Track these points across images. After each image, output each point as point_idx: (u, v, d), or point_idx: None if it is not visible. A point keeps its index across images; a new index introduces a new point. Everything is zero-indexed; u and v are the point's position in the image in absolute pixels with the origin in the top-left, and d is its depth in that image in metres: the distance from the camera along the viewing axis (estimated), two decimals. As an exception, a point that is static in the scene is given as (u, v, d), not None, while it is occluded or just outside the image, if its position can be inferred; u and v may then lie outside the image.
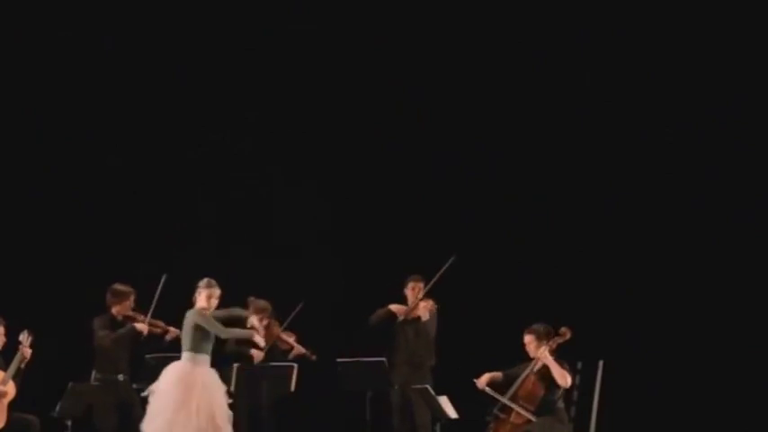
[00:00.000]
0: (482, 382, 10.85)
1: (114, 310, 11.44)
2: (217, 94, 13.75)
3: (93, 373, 11.38)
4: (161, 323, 11.48)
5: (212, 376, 10.69)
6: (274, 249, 13.58)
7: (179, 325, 11.01)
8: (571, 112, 13.55)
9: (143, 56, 13.69)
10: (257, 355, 11.54)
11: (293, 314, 11.81)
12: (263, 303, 11.84)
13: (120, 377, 11.34)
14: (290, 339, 11.85)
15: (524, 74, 13.58)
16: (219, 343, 11.68)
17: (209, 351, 10.69)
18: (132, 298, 11.46)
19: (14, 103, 13.51)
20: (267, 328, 11.82)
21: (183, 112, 13.73)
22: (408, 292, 12.06)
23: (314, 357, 11.79)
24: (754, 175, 13.24)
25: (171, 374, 10.61)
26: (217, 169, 13.82)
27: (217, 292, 10.84)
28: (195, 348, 10.62)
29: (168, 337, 11.45)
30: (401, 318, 11.93)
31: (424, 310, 11.89)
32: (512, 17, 13.61)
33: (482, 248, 13.35)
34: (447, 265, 11.83)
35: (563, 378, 10.56)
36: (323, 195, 13.80)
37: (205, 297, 10.80)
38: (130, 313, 11.44)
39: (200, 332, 10.63)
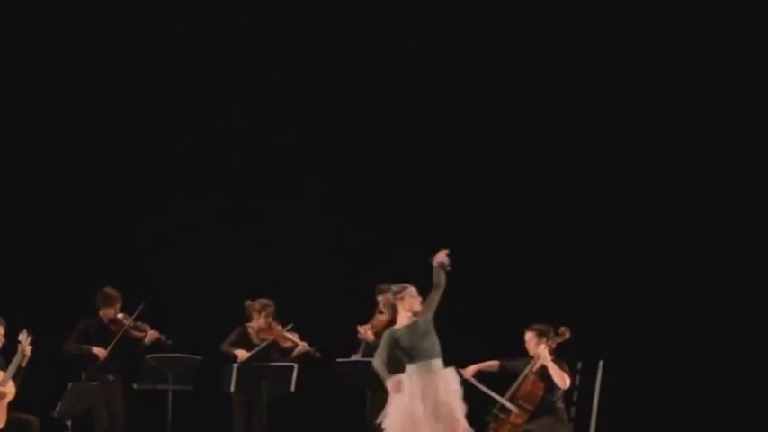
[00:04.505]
0: (468, 371, 10.83)
1: (101, 312, 11.69)
2: (217, 94, 13.74)
3: (83, 374, 11.53)
4: (146, 326, 11.63)
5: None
6: (274, 249, 13.58)
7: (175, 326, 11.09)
8: (571, 112, 13.55)
9: (143, 56, 13.68)
10: (242, 354, 11.54)
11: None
12: (264, 300, 11.84)
13: (111, 377, 11.51)
14: (294, 337, 11.78)
15: (524, 74, 13.56)
16: (217, 343, 11.75)
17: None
18: (118, 305, 11.67)
19: (14, 103, 13.50)
20: (269, 326, 11.81)
21: (183, 112, 13.72)
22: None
23: (318, 354, 11.74)
24: (753, 175, 13.24)
25: None
26: (215, 169, 13.81)
27: None
28: None
29: (147, 340, 11.59)
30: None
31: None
32: (512, 17, 13.61)
33: (483, 248, 13.34)
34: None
35: (562, 379, 10.57)
36: (323, 195, 13.79)
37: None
38: (116, 316, 11.63)
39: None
